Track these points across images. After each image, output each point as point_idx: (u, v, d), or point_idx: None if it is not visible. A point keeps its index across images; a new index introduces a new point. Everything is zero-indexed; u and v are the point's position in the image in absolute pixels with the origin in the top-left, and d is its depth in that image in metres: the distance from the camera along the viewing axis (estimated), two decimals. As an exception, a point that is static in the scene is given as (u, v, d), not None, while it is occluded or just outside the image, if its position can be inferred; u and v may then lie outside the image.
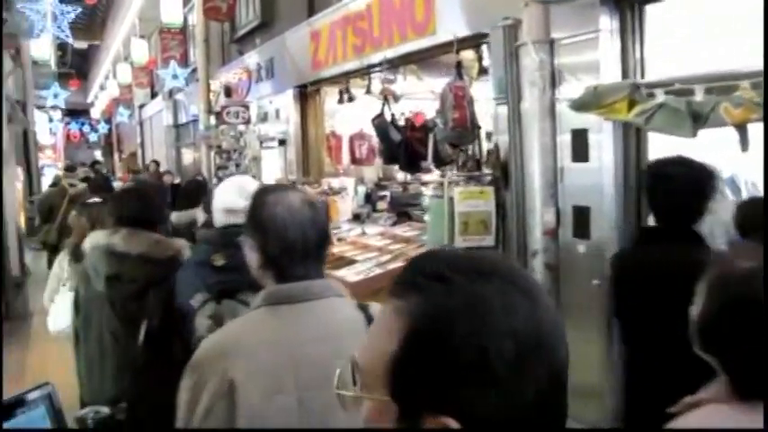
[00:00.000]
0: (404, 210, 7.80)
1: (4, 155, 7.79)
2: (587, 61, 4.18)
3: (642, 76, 3.97)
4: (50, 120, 22.75)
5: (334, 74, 7.79)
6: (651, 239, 2.71)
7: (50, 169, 19.28)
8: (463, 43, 5.54)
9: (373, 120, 6.65)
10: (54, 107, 21.02)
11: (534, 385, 0.70)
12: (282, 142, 9.36)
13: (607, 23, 4.06)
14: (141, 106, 23.76)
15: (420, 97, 8.11)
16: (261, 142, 10.23)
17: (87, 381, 3.01)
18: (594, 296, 4.15)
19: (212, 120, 11.95)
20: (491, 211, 4.95)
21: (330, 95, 8.60)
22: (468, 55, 5.95)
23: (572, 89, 4.22)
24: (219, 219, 2.48)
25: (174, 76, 13.81)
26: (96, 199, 3.95)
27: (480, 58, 5.94)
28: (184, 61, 15.38)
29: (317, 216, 1.59)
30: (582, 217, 4.27)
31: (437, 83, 7.63)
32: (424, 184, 8.80)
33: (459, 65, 5.65)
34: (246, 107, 10.50)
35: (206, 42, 12.16)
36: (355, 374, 0.79)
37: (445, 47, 5.91)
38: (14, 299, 7.75)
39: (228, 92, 11.29)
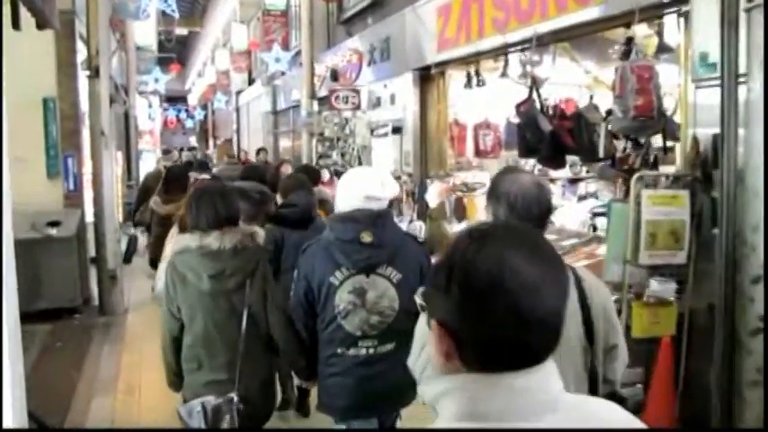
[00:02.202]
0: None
1: (106, 138, 7.32)
2: None
3: None
4: (150, 105, 22.91)
5: (464, 54, 6.87)
6: None
7: (148, 154, 19.29)
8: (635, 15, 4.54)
9: (518, 106, 5.69)
10: (154, 92, 21.10)
11: (489, 309, 0.94)
12: (397, 130, 8.51)
13: None
14: (238, 92, 23.65)
15: (555, 82, 7.07)
16: (372, 130, 9.44)
17: (195, 377, 3.01)
18: None
19: (315, 105, 11.33)
20: (685, 220, 3.94)
21: (454, 79, 7.69)
22: (640, 30, 4.94)
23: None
24: (355, 204, 2.66)
25: (277, 60, 13.31)
26: (205, 176, 4.48)
27: (660, 33, 4.91)
28: (286, 45, 14.86)
29: (542, 195, 2.01)
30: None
31: (589, 65, 6.66)
32: (553, 180, 7.85)
33: (630, 42, 4.66)
34: (357, 92, 9.74)
35: (311, 24, 11.52)
36: None
37: (615, 20, 4.93)
38: (109, 294, 7.27)
39: (335, 75, 10.58)
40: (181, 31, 25.64)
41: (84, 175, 7.82)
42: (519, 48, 6.09)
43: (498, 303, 0.94)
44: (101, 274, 7.35)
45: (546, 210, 2.02)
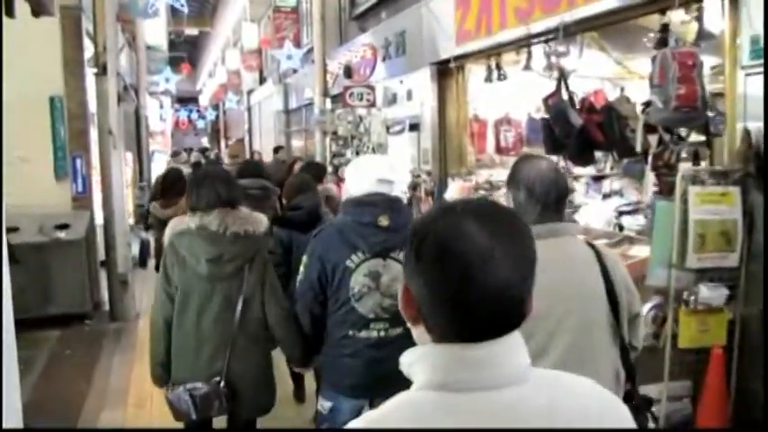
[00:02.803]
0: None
1: (114, 138, 7.09)
2: None
3: None
4: (161, 106, 22.78)
5: (485, 46, 6.57)
6: None
7: (160, 155, 19.12)
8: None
9: (545, 99, 5.41)
10: (165, 92, 20.96)
11: (440, 271, 0.96)
12: (414, 127, 8.23)
13: None
14: (250, 92, 23.47)
15: (583, 75, 6.75)
16: (387, 128, 9.15)
17: (183, 362, 2.97)
18: None
19: (328, 103, 11.08)
20: (737, 219, 3.64)
21: (474, 73, 7.39)
22: (676, 16, 4.65)
23: None
24: (368, 188, 2.70)
25: (289, 57, 13.07)
26: None
27: (699, 18, 4.61)
28: (298, 42, 14.62)
29: (560, 180, 2.17)
30: None
31: (619, 56, 6.36)
32: (576, 178, 7.55)
33: (665, 29, 4.37)
34: (372, 88, 9.46)
35: (322, 20, 11.27)
36: None
37: (649, 6, 4.64)
38: (120, 299, 7.04)
39: (349, 72, 10.31)
40: (191, 31, 25.57)
41: (93, 177, 7.63)
42: (543, 39, 5.79)
43: (449, 267, 0.95)
44: (111, 279, 7.14)
45: (564, 193, 2.18)
